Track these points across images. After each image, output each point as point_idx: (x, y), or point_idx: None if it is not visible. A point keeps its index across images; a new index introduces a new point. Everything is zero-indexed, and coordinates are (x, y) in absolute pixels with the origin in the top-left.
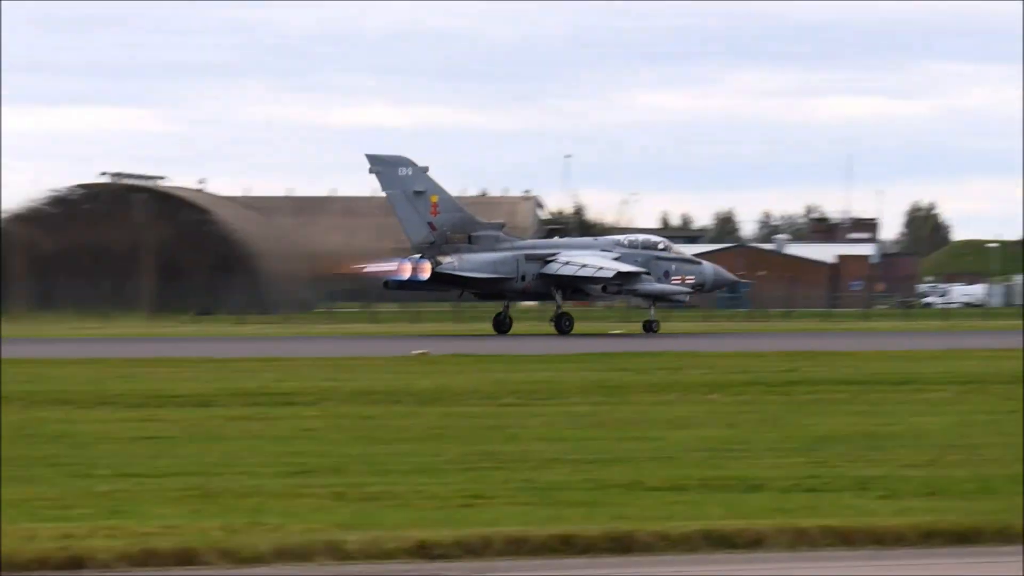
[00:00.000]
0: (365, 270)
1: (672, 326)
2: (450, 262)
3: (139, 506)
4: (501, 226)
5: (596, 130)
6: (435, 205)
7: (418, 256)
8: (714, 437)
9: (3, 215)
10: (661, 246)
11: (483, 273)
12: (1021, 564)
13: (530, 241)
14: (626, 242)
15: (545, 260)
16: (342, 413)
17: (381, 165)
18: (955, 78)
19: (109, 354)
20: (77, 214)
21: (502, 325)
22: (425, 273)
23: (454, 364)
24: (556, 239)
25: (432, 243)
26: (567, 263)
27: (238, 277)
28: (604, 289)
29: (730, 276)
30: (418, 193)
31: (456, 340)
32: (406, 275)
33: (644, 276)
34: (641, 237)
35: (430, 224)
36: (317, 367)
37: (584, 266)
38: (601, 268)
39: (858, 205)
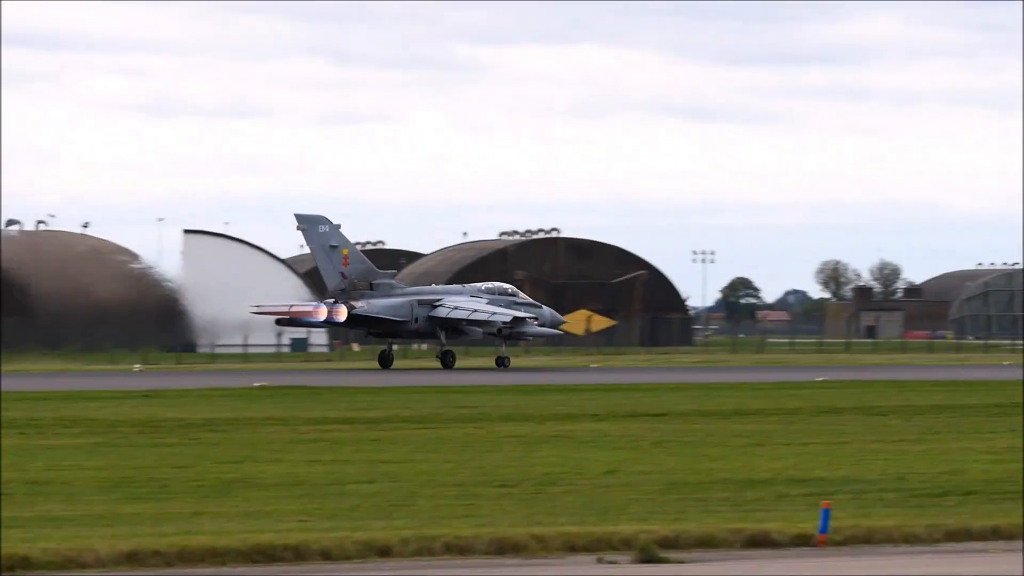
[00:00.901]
0: (290, 310)
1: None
2: (362, 306)
3: None
4: (394, 274)
5: None
6: (345, 257)
7: (332, 301)
8: None
9: None
10: (511, 291)
11: (386, 315)
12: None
13: (416, 288)
14: (485, 288)
15: (433, 305)
16: None
17: (306, 223)
18: None
19: None
20: None
21: (386, 361)
22: (342, 316)
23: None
24: (434, 286)
25: (343, 290)
26: (456, 308)
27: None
28: (499, 332)
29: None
30: (332, 247)
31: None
32: (323, 317)
33: (530, 320)
34: (497, 285)
35: (342, 274)
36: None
37: (475, 311)
38: (495, 313)
39: None
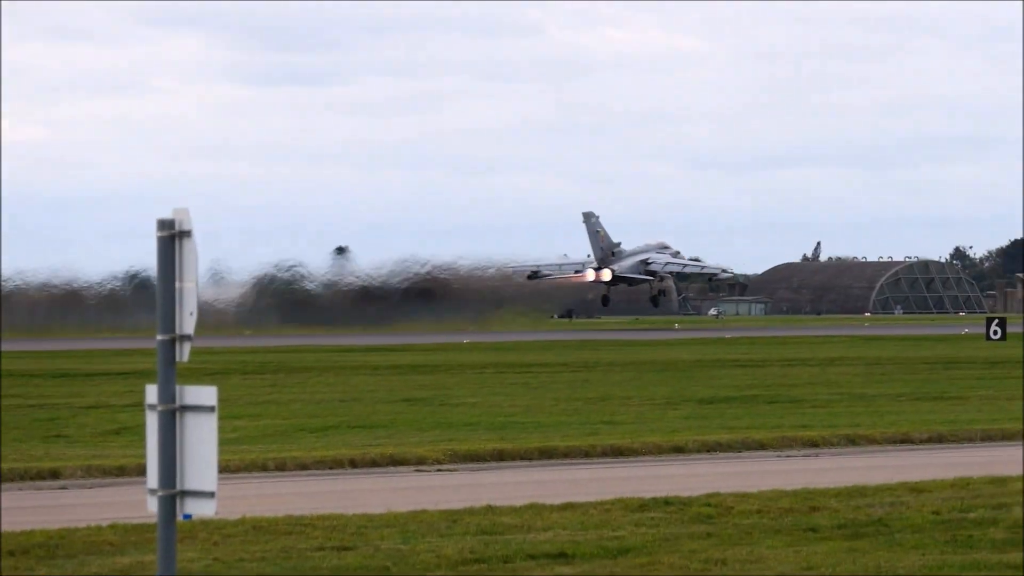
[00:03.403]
0: (572, 276)
1: None
2: (615, 268)
3: None
4: (619, 244)
5: None
6: (603, 237)
7: (597, 267)
8: None
9: None
10: (674, 250)
11: (628, 273)
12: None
13: (631, 250)
14: (662, 247)
15: (646, 262)
16: None
17: (586, 218)
18: None
19: None
20: None
21: (606, 301)
22: (607, 276)
23: None
24: (643, 246)
25: (602, 259)
26: (667, 263)
27: None
28: (710, 280)
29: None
30: (596, 232)
31: None
32: (592, 278)
33: (718, 270)
34: (662, 243)
35: (602, 248)
36: None
37: (685, 265)
38: (705, 267)
39: None
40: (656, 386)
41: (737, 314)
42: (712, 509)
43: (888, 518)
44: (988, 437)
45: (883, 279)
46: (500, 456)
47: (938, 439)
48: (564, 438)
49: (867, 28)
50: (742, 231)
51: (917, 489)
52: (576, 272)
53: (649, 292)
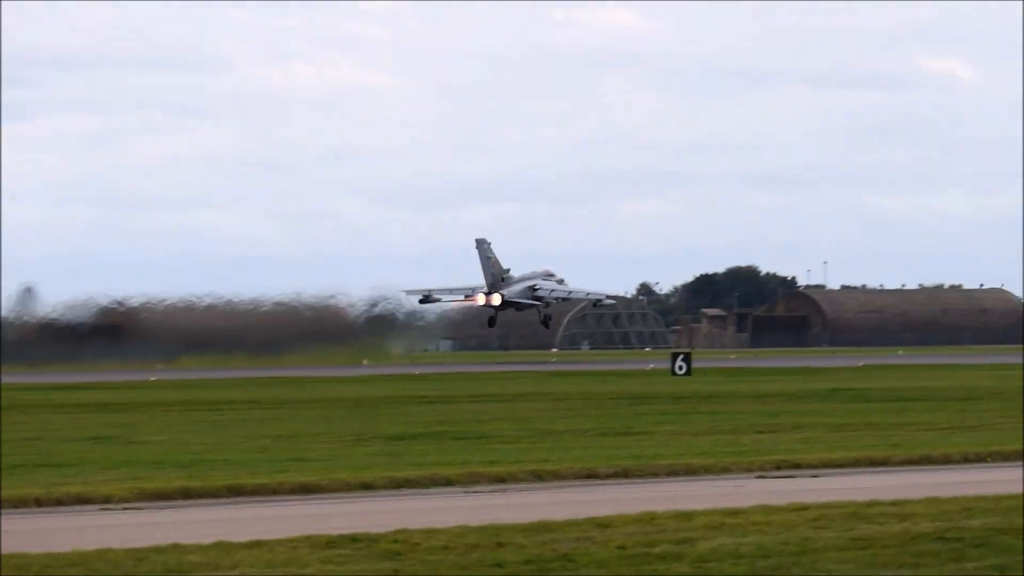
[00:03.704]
0: (465, 299)
1: None
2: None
3: None
4: (508, 270)
5: None
6: (494, 262)
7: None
8: None
9: None
10: (557, 277)
11: (517, 298)
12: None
13: (519, 276)
14: (548, 273)
15: (534, 288)
16: None
17: (479, 244)
18: None
19: None
20: None
21: (492, 323)
22: (496, 300)
23: None
24: (530, 273)
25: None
26: (552, 290)
27: None
28: (595, 305)
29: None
30: (488, 257)
31: None
32: (482, 302)
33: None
34: (548, 270)
35: (492, 274)
36: None
37: (570, 292)
38: (589, 294)
39: None
40: (346, 422)
41: (426, 350)
42: (399, 545)
43: (574, 553)
44: (673, 472)
45: (570, 314)
46: (187, 494)
47: (624, 474)
48: (252, 475)
49: (559, 64)
50: (433, 265)
51: (603, 524)
52: (467, 296)
53: (538, 316)
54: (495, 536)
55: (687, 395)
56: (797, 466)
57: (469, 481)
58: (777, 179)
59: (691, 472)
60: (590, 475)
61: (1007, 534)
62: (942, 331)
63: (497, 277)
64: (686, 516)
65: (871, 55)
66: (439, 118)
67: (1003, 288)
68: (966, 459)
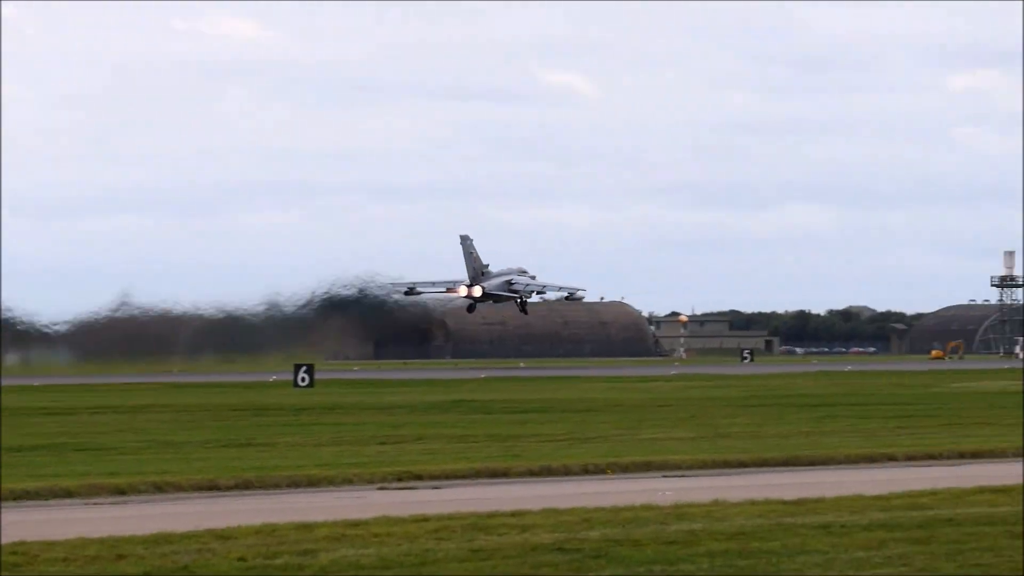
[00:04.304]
0: (447, 290)
1: None
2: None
3: None
4: (487, 266)
5: None
6: (476, 257)
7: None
8: None
9: None
10: (529, 273)
11: (495, 291)
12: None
13: (497, 271)
14: (520, 270)
15: (510, 282)
16: None
17: (463, 239)
18: None
19: None
20: None
21: (471, 309)
22: (478, 292)
23: None
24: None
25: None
26: (527, 285)
27: None
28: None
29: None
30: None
31: None
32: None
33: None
34: (519, 267)
35: (474, 267)
36: None
37: (545, 286)
38: (561, 288)
39: None
40: None
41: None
42: (19, 557)
43: (194, 565)
44: (295, 483)
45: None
46: None
47: (245, 485)
48: None
49: (183, 73)
50: (60, 278)
51: (223, 536)
52: (449, 288)
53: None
54: (114, 548)
55: (310, 407)
56: (419, 477)
57: (89, 493)
58: (400, 190)
59: (313, 483)
60: (211, 486)
61: (624, 545)
62: (563, 343)
63: (478, 271)
64: (308, 527)
65: (493, 68)
66: (67, 128)
67: (623, 301)
68: (585, 470)
